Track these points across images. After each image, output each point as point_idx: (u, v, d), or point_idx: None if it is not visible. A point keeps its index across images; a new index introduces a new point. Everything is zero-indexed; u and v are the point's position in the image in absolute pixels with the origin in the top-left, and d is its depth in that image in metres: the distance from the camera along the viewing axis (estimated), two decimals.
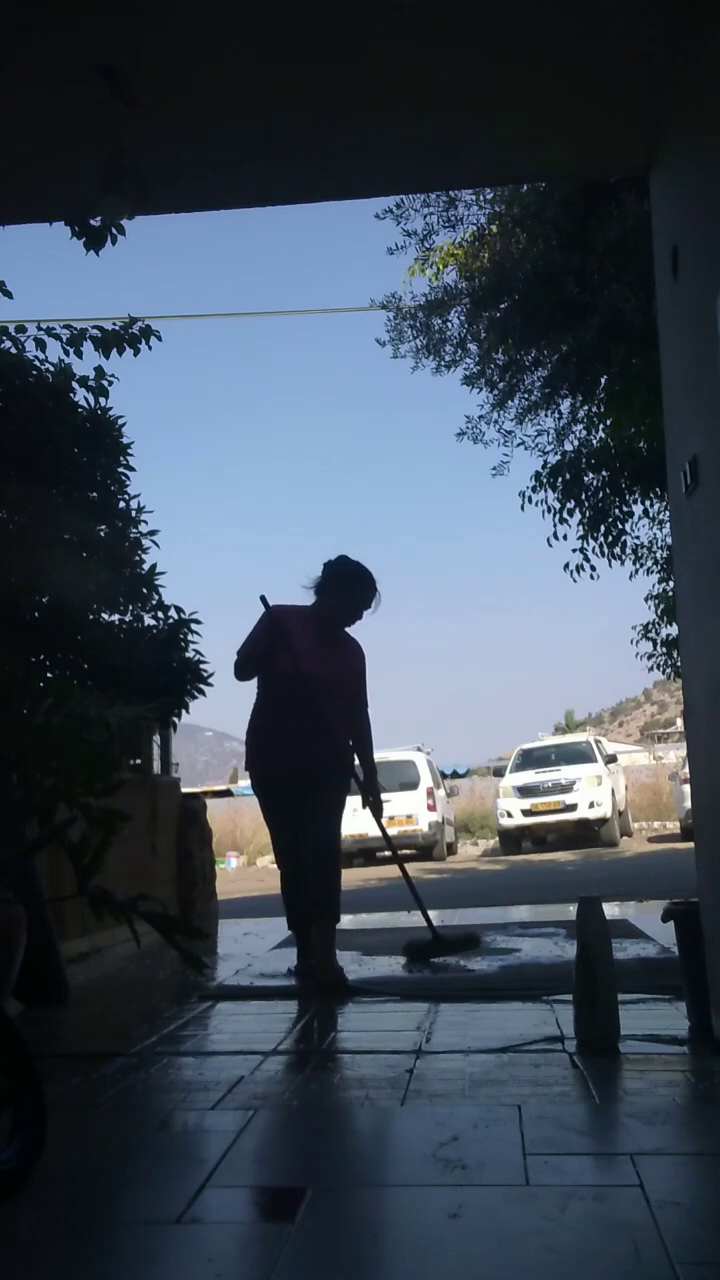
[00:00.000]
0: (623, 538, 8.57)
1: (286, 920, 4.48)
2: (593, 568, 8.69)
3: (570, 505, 8.40)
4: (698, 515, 2.78)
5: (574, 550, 8.64)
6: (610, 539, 8.53)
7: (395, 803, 14.19)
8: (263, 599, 4.21)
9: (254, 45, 2.82)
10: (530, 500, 8.48)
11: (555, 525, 8.48)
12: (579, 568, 8.70)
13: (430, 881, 9.43)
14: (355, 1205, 1.93)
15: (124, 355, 5.87)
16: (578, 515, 8.45)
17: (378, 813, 4.38)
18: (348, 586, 4.20)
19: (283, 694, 4.12)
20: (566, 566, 8.71)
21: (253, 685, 4.31)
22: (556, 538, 8.54)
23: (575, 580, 8.75)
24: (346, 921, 6.20)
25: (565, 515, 8.45)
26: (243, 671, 4.24)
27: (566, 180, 6.70)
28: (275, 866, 4.57)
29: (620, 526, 8.53)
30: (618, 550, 8.58)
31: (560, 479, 8.35)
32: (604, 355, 7.46)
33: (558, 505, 8.42)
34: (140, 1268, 1.72)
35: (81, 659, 5.76)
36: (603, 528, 8.47)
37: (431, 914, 6.18)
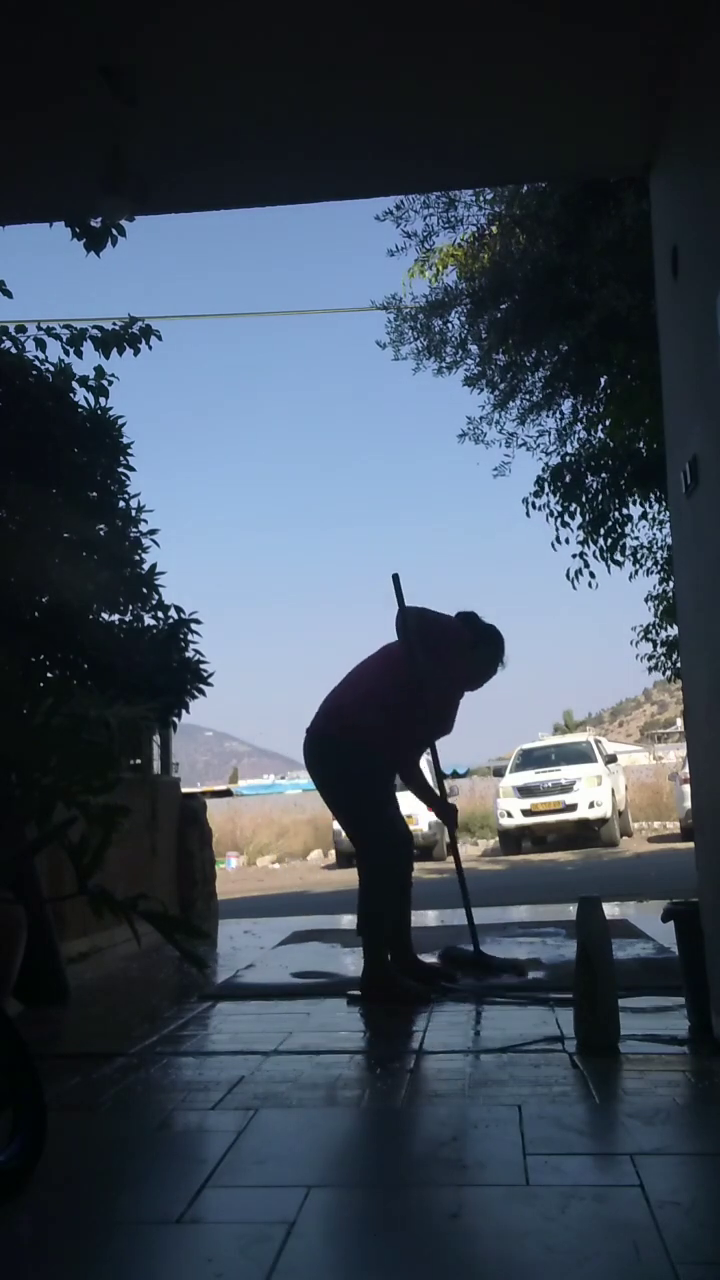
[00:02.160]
0: (622, 540, 8.57)
1: (373, 924, 3.82)
2: (592, 574, 8.69)
3: (573, 508, 8.40)
4: (698, 515, 2.78)
5: (574, 555, 8.65)
6: (610, 542, 8.52)
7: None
8: (395, 578, 4.03)
9: (254, 45, 2.82)
10: (535, 506, 8.48)
11: (558, 529, 8.48)
12: (578, 573, 8.71)
13: (430, 881, 9.41)
14: (355, 1205, 1.93)
15: (124, 355, 5.88)
16: (579, 518, 8.45)
17: None
18: (496, 657, 4.14)
19: (415, 720, 3.95)
20: (568, 574, 8.71)
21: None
22: (560, 541, 8.54)
23: (575, 588, 8.76)
24: (346, 921, 6.21)
25: (567, 519, 8.45)
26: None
27: (566, 180, 6.71)
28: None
29: (620, 529, 8.53)
30: (617, 555, 8.58)
31: (561, 481, 8.35)
32: (604, 355, 7.47)
33: (559, 509, 8.42)
34: (140, 1268, 1.72)
35: (81, 659, 5.76)
36: (603, 530, 8.47)
37: (431, 914, 6.16)
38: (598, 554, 8.57)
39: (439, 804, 4.25)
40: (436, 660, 3.90)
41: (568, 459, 8.60)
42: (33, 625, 5.63)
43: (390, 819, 3.93)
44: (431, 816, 15.85)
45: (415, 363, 8.85)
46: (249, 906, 8.92)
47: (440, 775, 4.35)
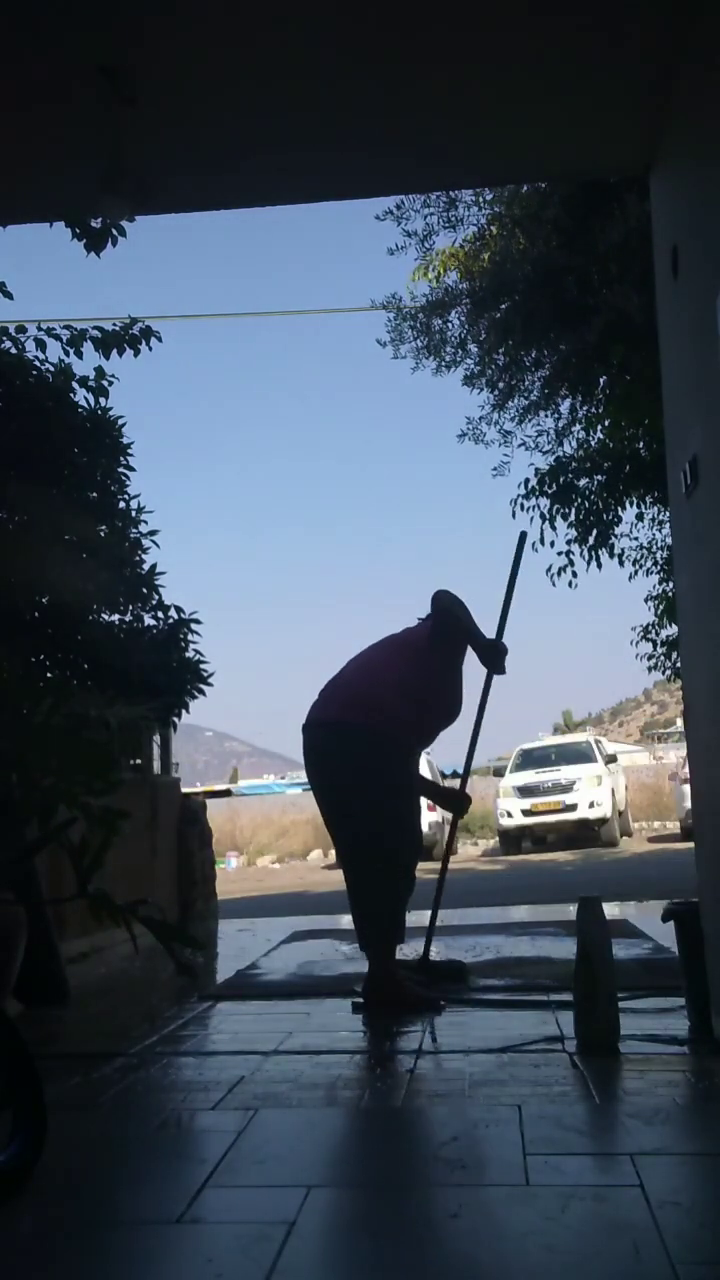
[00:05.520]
0: (610, 541, 8.55)
1: (383, 925, 3.70)
2: (574, 573, 8.67)
3: (565, 510, 8.38)
4: (698, 515, 2.78)
5: (559, 553, 8.63)
6: (598, 543, 8.51)
7: None
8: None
9: (254, 45, 2.82)
10: (522, 507, 8.46)
11: (543, 530, 8.47)
12: (560, 571, 8.69)
13: (430, 881, 9.44)
14: (355, 1205, 1.93)
15: (124, 356, 5.88)
16: (571, 517, 8.44)
17: None
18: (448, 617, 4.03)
19: (435, 710, 3.92)
20: (549, 570, 8.70)
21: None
22: (543, 543, 8.53)
23: (555, 585, 8.75)
24: (346, 921, 6.21)
25: (558, 520, 8.44)
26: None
27: (567, 180, 6.70)
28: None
29: (610, 531, 8.51)
30: (604, 553, 8.55)
31: (555, 484, 8.34)
32: (604, 356, 7.47)
33: (549, 513, 8.42)
34: (140, 1268, 1.72)
35: (81, 659, 5.76)
36: (594, 533, 8.45)
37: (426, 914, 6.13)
38: (585, 553, 8.54)
39: (443, 794, 4.26)
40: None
41: (562, 460, 8.59)
42: (33, 625, 5.63)
43: (417, 811, 3.87)
44: (433, 816, 15.81)
45: (415, 362, 8.86)
46: (249, 906, 8.92)
47: (469, 763, 4.36)
